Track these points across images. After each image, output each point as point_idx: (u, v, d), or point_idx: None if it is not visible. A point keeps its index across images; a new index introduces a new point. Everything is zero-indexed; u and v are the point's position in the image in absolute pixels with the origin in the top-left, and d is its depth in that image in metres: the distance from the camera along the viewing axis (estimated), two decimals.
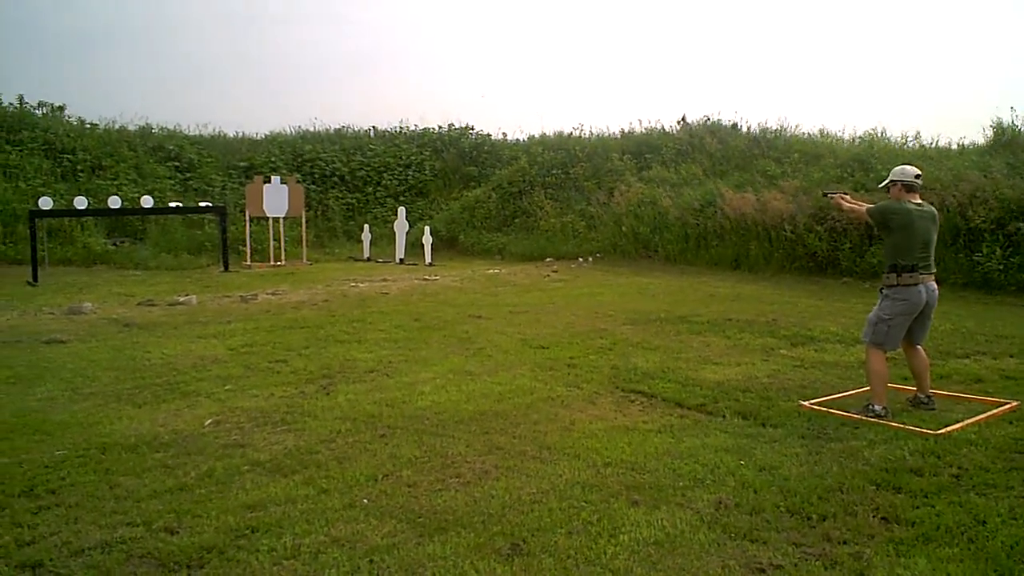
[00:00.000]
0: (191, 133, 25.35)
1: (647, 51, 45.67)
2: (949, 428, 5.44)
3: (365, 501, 4.27)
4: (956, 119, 32.76)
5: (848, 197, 6.74)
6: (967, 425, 5.53)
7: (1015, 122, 16.09)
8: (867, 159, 16.14)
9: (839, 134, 19.50)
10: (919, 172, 6.13)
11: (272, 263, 18.79)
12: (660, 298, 12.15)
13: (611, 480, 4.55)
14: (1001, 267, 11.92)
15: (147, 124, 24.80)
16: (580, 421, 5.75)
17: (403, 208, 20.34)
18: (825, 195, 7.76)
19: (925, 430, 5.40)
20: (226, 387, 6.84)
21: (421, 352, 8.31)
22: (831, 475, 4.60)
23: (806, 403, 6.12)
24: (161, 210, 18.42)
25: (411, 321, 10.24)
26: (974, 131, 24.12)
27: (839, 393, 6.46)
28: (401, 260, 19.26)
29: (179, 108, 45.07)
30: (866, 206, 6.36)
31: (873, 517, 4.04)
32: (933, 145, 17.31)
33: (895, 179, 6.09)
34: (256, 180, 19.35)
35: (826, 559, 3.57)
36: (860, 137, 18.57)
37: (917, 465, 4.75)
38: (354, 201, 24.11)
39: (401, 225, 19.57)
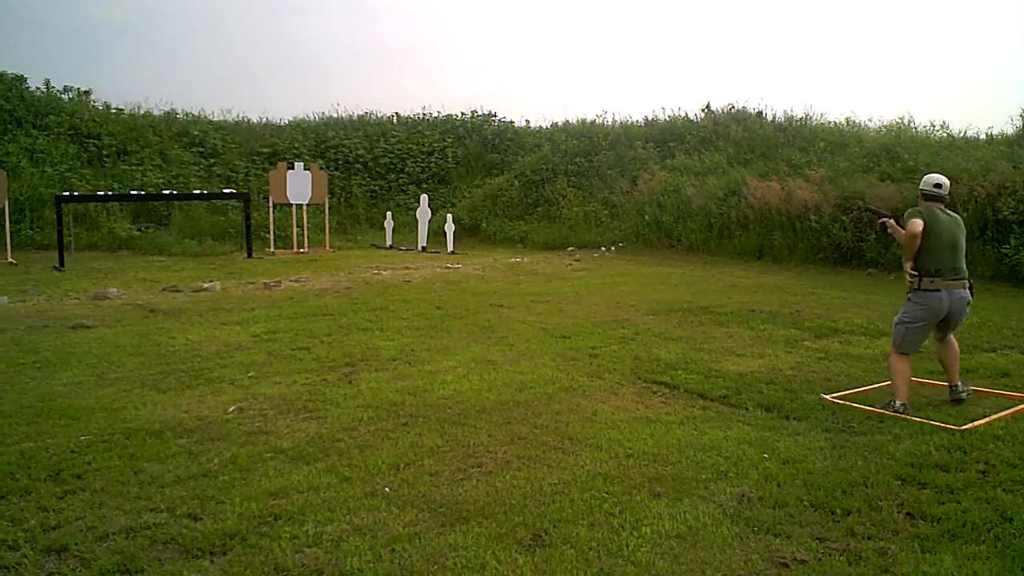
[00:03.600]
0: (215, 119, 25.47)
1: (672, 37, 45.43)
2: (975, 423, 5.38)
3: (387, 490, 4.28)
4: (985, 108, 32.29)
5: (892, 222, 6.49)
6: (994, 420, 5.47)
7: None
8: (893, 148, 15.94)
9: (866, 123, 19.33)
10: (939, 182, 6.04)
11: (295, 250, 18.87)
12: (682, 288, 12.09)
13: (633, 472, 4.53)
14: None
15: (172, 109, 24.99)
16: (602, 412, 5.74)
17: (425, 196, 20.34)
18: (867, 211, 7.61)
19: (951, 425, 5.34)
20: (249, 374, 6.88)
21: (443, 340, 8.32)
22: (855, 469, 4.56)
23: (828, 396, 6.07)
24: (184, 195, 18.57)
25: (433, 309, 10.24)
26: (1002, 121, 23.77)
27: (863, 387, 6.41)
28: (423, 248, 19.26)
29: (204, 94, 45.23)
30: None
31: (898, 512, 4.00)
32: (961, 135, 17.07)
33: (920, 188, 6.12)
34: (280, 166, 19.40)
35: (850, 554, 3.54)
36: (886, 126, 18.36)
37: (943, 460, 4.70)
38: (377, 188, 24.16)
39: (423, 213, 19.57)
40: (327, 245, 19.50)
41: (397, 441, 5.10)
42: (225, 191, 19.32)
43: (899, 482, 4.38)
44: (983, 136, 16.76)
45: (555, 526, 3.82)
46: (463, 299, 11.07)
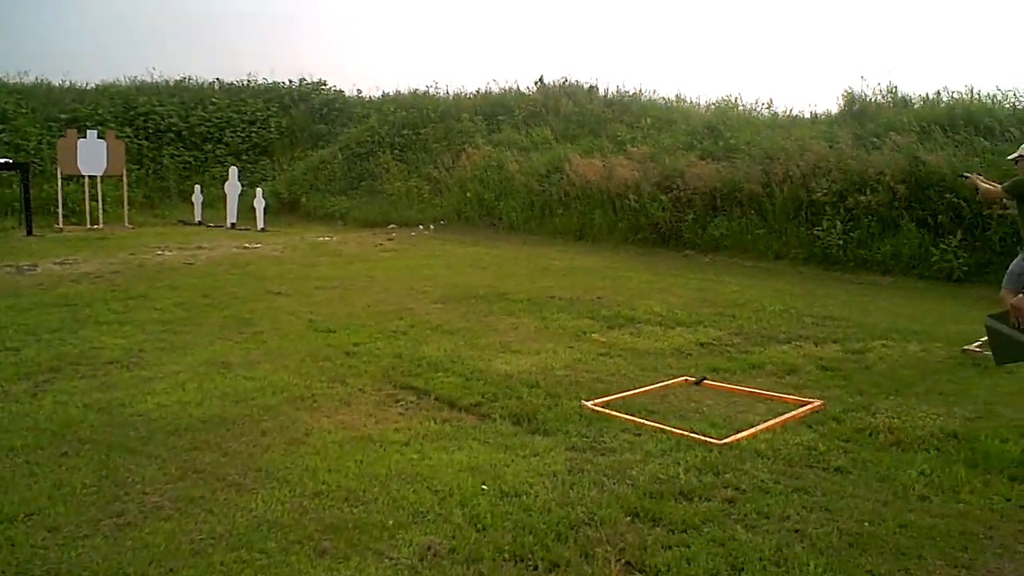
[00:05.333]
0: (11, 81, 23.01)
1: (512, 7, 44.31)
2: (738, 435, 4.75)
3: None
4: (811, 88, 33.00)
5: (982, 177, 7.17)
6: (760, 431, 4.86)
7: (865, 91, 15.87)
8: (717, 126, 15.63)
9: (695, 100, 19.04)
10: None
11: (88, 227, 17.10)
12: (489, 271, 11.31)
13: (311, 517, 3.64)
14: (840, 242, 11.55)
15: None
16: (318, 430, 4.82)
17: (235, 168, 18.85)
18: (960, 176, 8.36)
19: (711, 438, 4.70)
20: None
21: (185, 337, 7.22)
22: (585, 502, 3.82)
23: (589, 403, 5.35)
24: None
25: (198, 298, 9.09)
26: (828, 100, 24.15)
27: (632, 390, 5.72)
28: (232, 225, 17.82)
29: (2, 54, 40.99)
30: (1001, 184, 6.87)
31: (616, 562, 3.27)
32: (787, 114, 16.97)
33: (1021, 154, 6.64)
34: (69, 134, 17.56)
35: None
36: (714, 104, 18.10)
37: (689, 486, 4.02)
38: (191, 159, 22.40)
39: (233, 187, 18.13)
40: (126, 221, 17.80)
41: (38, 478, 4.04)
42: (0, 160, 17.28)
43: (629, 518, 3.67)
44: (808, 115, 16.68)
45: None
46: (240, 285, 9.93)
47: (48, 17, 40.22)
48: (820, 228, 11.77)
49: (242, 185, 21.19)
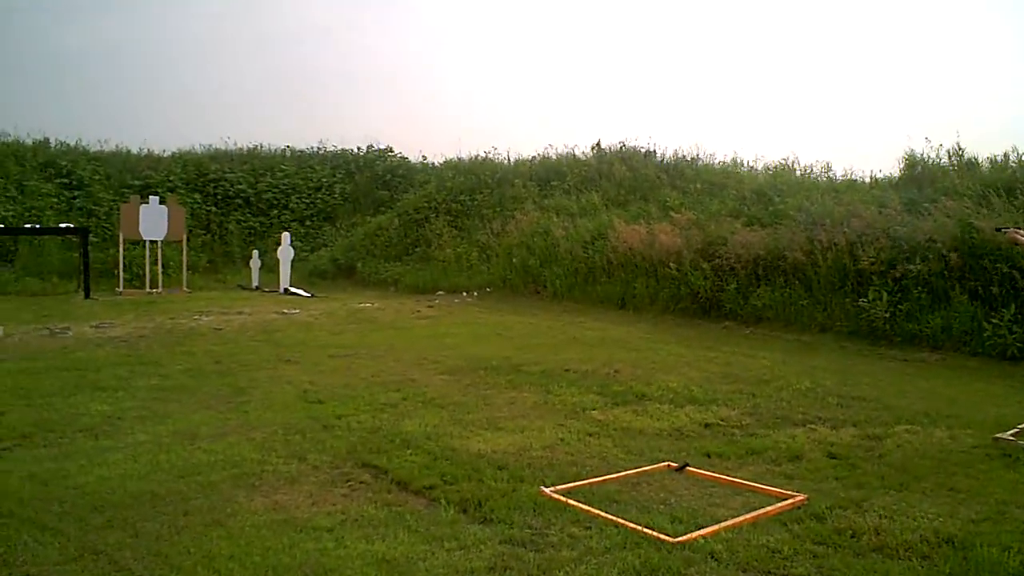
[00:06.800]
0: (93, 149, 24.04)
1: (575, 73, 44.33)
2: (695, 534, 4.28)
3: None
4: (874, 150, 31.77)
5: (1022, 232, 6.70)
6: (722, 528, 4.37)
7: (928, 153, 15.13)
8: (767, 192, 15.10)
9: (752, 164, 18.53)
10: None
11: (148, 291, 17.48)
12: (515, 341, 10.97)
13: None
14: (887, 314, 10.82)
15: (44, 139, 23.56)
16: (245, 512, 4.54)
17: (287, 234, 19.08)
18: (999, 231, 7.82)
19: (665, 535, 4.24)
20: None
21: (171, 405, 7.10)
22: None
23: (548, 490, 4.95)
24: (10, 230, 17.10)
25: (209, 364, 9.03)
26: (891, 164, 23.14)
27: (601, 477, 5.28)
28: (286, 290, 17.96)
29: (85, 124, 42.82)
30: None
31: None
32: (847, 178, 16.31)
33: None
34: (132, 200, 18.08)
35: None
36: (772, 167, 17.55)
37: None
38: (257, 225, 22.87)
39: (285, 252, 18.32)
40: (185, 285, 18.14)
41: None
42: (61, 225, 17.87)
43: None
44: (868, 179, 16.01)
45: None
46: (255, 352, 9.85)
47: (133, 85, 42.08)
48: (865, 299, 11.08)
49: (304, 250, 21.57)
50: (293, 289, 17.80)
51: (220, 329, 11.72)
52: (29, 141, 23.13)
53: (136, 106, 38.34)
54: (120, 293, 17.06)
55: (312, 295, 17.27)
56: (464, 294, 16.73)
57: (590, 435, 6.37)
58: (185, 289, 17.95)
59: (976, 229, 10.56)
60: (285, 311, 13.89)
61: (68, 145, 23.65)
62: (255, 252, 19.56)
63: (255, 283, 19.01)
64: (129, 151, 24.45)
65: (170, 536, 4.18)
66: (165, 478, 5.11)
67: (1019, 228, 6.79)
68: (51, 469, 5.27)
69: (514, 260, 16.75)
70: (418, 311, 14.26)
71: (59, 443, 5.91)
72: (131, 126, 43.78)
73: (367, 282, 19.75)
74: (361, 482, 5.15)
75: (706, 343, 11.07)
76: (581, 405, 7.36)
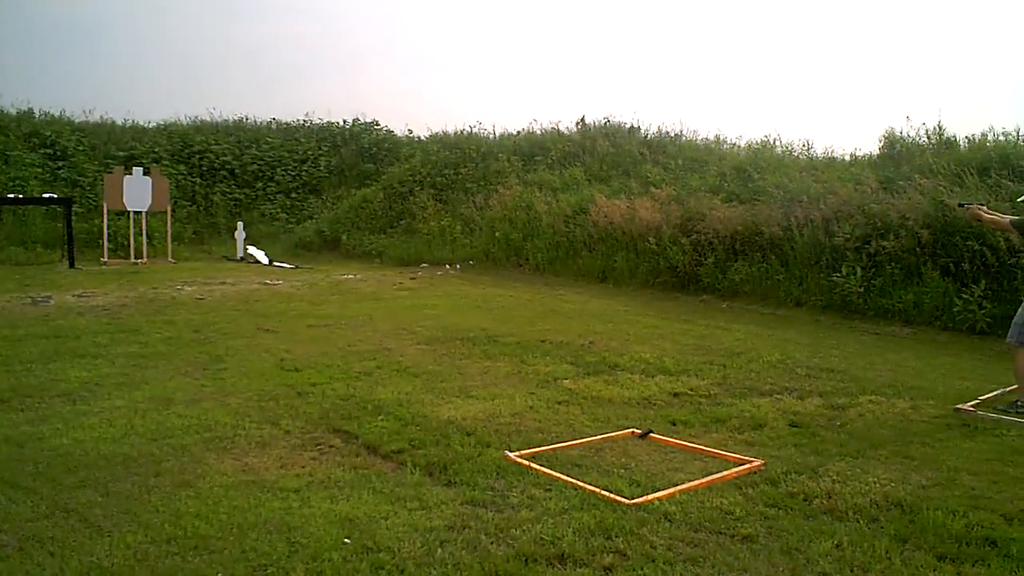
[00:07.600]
0: (78, 120, 23.91)
1: (564, 47, 44.30)
2: (651, 496, 4.42)
3: None
4: (856, 128, 31.90)
5: (985, 208, 6.81)
6: (678, 491, 4.52)
7: (908, 132, 15.24)
8: (747, 168, 15.21)
9: (735, 141, 18.63)
10: None
11: (132, 261, 17.51)
12: (493, 313, 11.09)
13: (145, 565, 3.51)
14: (861, 289, 10.99)
15: (28, 109, 23.43)
16: (214, 473, 4.66)
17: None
18: (961, 206, 7.85)
19: (622, 497, 4.38)
20: None
21: (149, 372, 7.19)
22: (445, 563, 3.57)
23: (512, 454, 5.09)
24: None
25: (188, 333, 9.11)
26: (872, 142, 23.25)
27: (565, 443, 5.42)
28: (270, 261, 18.03)
29: (69, 93, 42.45)
30: (1009, 217, 6.57)
31: None
32: (827, 155, 16.43)
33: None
34: (115, 171, 18.06)
35: None
36: (755, 144, 17.65)
37: (572, 549, 3.73)
38: (242, 196, 22.87)
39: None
40: (170, 255, 18.18)
41: None
42: (45, 196, 17.85)
43: None
44: (847, 157, 16.11)
45: None
46: (235, 321, 9.93)
47: (116, 55, 41.77)
48: (839, 274, 11.23)
49: (290, 222, 21.72)
50: (277, 263, 17.93)
51: (202, 299, 11.80)
52: (13, 111, 22.97)
53: (121, 77, 38.17)
54: (104, 263, 17.08)
55: (296, 267, 17.34)
56: (447, 267, 16.85)
57: (559, 403, 6.50)
58: (170, 260, 17.99)
59: (947, 207, 10.70)
60: (267, 282, 13.97)
61: (52, 115, 23.51)
62: (239, 224, 19.60)
63: (239, 254, 19.06)
64: (114, 122, 24.33)
65: (140, 495, 4.30)
66: (139, 441, 5.22)
67: (982, 205, 6.83)
68: (27, 432, 5.38)
69: (497, 234, 16.86)
70: (400, 283, 14.36)
71: (36, 407, 6.01)
72: (116, 97, 43.57)
73: (352, 254, 19.83)
74: (331, 446, 5.27)
75: (683, 316, 11.22)
76: (553, 375, 7.49)
